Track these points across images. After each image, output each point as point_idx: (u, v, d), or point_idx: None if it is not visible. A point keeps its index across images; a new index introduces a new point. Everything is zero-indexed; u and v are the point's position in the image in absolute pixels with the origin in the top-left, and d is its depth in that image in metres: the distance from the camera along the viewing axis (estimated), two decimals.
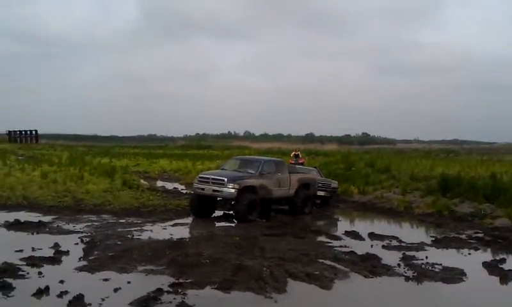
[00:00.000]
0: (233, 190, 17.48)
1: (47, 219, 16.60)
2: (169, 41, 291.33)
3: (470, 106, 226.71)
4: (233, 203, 17.98)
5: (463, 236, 16.08)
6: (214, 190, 17.78)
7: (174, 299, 8.59)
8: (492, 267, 11.86)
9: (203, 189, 18.07)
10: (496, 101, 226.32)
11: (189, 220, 17.97)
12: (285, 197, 19.97)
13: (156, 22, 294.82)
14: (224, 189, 17.54)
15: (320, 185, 23.39)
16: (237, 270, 10.30)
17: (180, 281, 9.66)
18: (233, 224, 17.38)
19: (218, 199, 18.53)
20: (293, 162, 30.53)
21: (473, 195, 21.07)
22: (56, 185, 23.45)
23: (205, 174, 19.25)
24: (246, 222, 17.11)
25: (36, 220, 16.09)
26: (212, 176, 18.29)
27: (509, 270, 11.47)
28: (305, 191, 20.47)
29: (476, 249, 14.22)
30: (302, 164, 29.98)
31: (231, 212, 18.56)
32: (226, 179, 17.68)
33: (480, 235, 16.38)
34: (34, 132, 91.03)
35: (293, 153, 34.41)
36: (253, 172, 18.67)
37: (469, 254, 13.61)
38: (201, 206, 18.56)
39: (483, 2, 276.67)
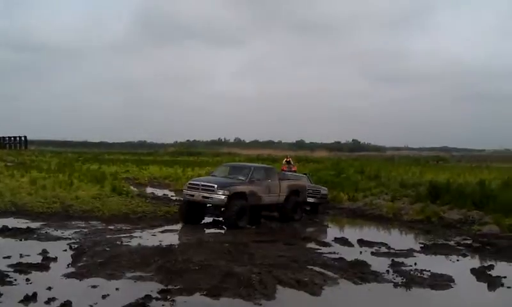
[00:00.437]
0: (223, 197, 17.43)
1: (35, 225, 16.52)
2: (160, 47, 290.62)
3: (459, 114, 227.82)
4: (222, 209, 17.85)
5: (452, 243, 16.15)
6: (204, 197, 17.75)
7: (163, 305, 8.57)
8: (480, 274, 11.90)
9: (192, 195, 18.04)
10: (486, 109, 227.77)
11: (178, 226, 17.94)
12: (275, 204, 19.97)
13: (147, 28, 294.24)
14: (214, 196, 17.51)
15: (310, 191, 23.44)
16: (226, 277, 10.27)
17: (169, 287, 9.63)
18: (222, 231, 17.37)
19: (208, 205, 18.45)
20: (285, 168, 30.66)
21: (462, 202, 21.18)
22: (45, 192, 23.32)
23: (195, 180, 19.29)
24: (236, 229, 17.11)
25: (25, 226, 16.00)
26: (202, 183, 18.26)
27: (497, 276, 11.51)
28: (295, 198, 20.52)
29: (464, 255, 14.29)
30: (294, 171, 30.03)
31: (220, 219, 18.47)
32: (216, 185, 17.65)
33: (468, 241, 16.46)
34: (23, 138, 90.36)
35: (285, 160, 34.58)
36: (243, 178, 18.70)
37: (457, 260, 13.66)
38: (191, 213, 18.50)
39: (473, 10, 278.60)
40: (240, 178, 18.81)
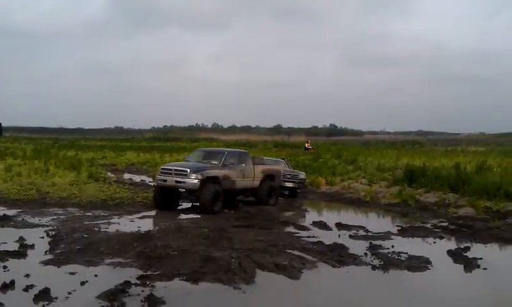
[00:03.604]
0: (196, 181, 17.41)
1: (11, 212, 16.33)
2: (138, 32, 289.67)
3: (435, 98, 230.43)
4: (197, 194, 17.78)
5: (428, 226, 16.34)
6: (177, 181, 17.65)
7: (142, 291, 8.53)
8: (457, 255, 12.05)
9: (165, 181, 17.96)
10: (462, 93, 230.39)
11: (156, 212, 17.86)
12: (249, 189, 20.03)
13: (125, 12, 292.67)
14: (187, 180, 17.44)
15: (288, 176, 23.54)
16: (205, 262, 10.27)
17: (148, 273, 9.61)
18: (199, 216, 17.26)
19: (181, 190, 18.36)
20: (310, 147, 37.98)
21: (438, 185, 21.45)
22: (21, 179, 23.08)
23: (167, 165, 19.25)
24: (211, 214, 17.12)
25: (1, 213, 15.79)
26: (175, 168, 18.23)
27: (473, 258, 11.66)
28: (270, 182, 20.56)
29: (441, 237, 14.46)
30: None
31: (197, 204, 18.40)
32: (189, 170, 17.61)
33: (445, 224, 16.66)
34: None
35: (307, 144, 40.11)
36: (216, 163, 18.69)
37: (434, 242, 13.82)
38: (165, 199, 18.41)
39: None
40: (213, 162, 18.75)
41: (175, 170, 17.93)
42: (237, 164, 19.18)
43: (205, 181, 17.59)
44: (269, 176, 20.62)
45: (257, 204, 19.99)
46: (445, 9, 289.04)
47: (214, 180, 17.99)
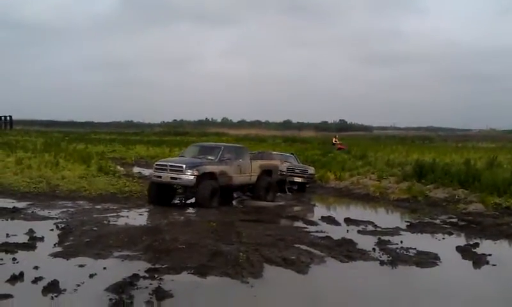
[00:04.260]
0: (192, 177, 16.93)
1: (21, 205, 16.43)
2: (149, 26, 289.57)
3: (446, 94, 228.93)
4: (193, 190, 17.40)
5: (437, 221, 16.28)
6: (172, 178, 17.20)
7: (150, 284, 8.56)
8: (466, 251, 12.00)
9: (160, 177, 17.46)
10: (472, 89, 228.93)
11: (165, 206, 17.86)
12: (246, 184, 19.66)
13: (136, 6, 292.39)
14: (183, 176, 17.01)
15: (297, 171, 23.54)
16: (213, 256, 10.30)
17: (157, 266, 9.63)
18: (210, 210, 17.19)
19: (176, 187, 18.15)
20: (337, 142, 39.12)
21: (448, 181, 21.33)
22: (31, 171, 23.17)
23: (162, 161, 18.73)
24: (207, 208, 16.63)
25: (11, 206, 15.91)
26: (170, 163, 17.75)
27: (483, 254, 11.61)
28: (267, 178, 20.10)
29: (450, 233, 14.40)
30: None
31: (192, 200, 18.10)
32: (184, 165, 17.13)
33: (454, 220, 16.59)
34: (8, 118, 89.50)
35: (334, 139, 41.09)
36: (212, 158, 18.19)
37: (443, 238, 13.78)
38: (160, 195, 17.90)
39: None
40: (210, 157, 18.26)
41: (170, 166, 17.45)
42: (234, 160, 18.67)
43: (202, 177, 17.12)
44: (266, 172, 20.18)
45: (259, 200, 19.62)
46: (456, 7, 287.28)
47: (211, 176, 17.54)
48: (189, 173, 16.93)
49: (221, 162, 18.06)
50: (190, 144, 22.91)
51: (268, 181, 20.01)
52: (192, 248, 10.83)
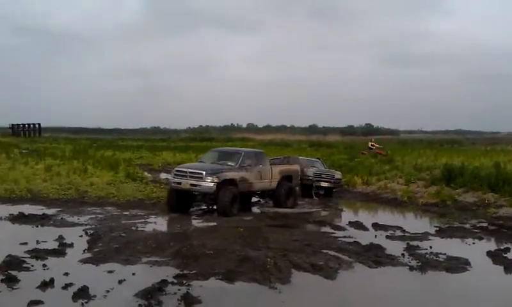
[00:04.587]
0: (212, 184, 16.46)
1: (51, 211, 16.65)
2: (174, 33, 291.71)
3: (474, 96, 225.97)
4: (213, 197, 17.00)
5: (467, 226, 16.05)
6: (192, 185, 16.73)
7: (179, 290, 8.59)
8: (496, 256, 11.82)
9: (179, 183, 16.99)
10: (501, 90, 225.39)
11: (194, 211, 17.90)
12: (266, 190, 19.35)
13: (162, 14, 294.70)
14: (203, 183, 16.53)
15: (323, 176, 23.44)
16: (241, 261, 10.30)
17: (185, 272, 9.67)
18: (238, 217, 17.19)
19: (195, 193, 17.67)
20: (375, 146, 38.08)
21: (477, 185, 21.01)
22: (60, 178, 23.49)
23: (181, 167, 18.24)
24: (228, 217, 16.17)
25: (40, 213, 16.12)
26: (190, 170, 17.23)
27: None
28: (288, 183, 19.59)
29: (480, 238, 14.19)
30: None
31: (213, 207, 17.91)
32: (204, 172, 16.62)
33: (484, 224, 16.34)
34: (37, 126, 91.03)
35: (370, 143, 39.73)
36: (232, 164, 17.75)
37: (473, 243, 13.58)
38: (179, 202, 17.42)
39: None
40: (230, 164, 17.80)
41: (190, 172, 16.94)
42: (255, 165, 18.18)
43: (222, 184, 16.65)
44: (286, 177, 19.68)
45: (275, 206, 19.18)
46: (482, 7, 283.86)
47: (231, 182, 17.08)
48: (209, 180, 16.48)
49: (241, 168, 17.64)
50: (209, 150, 22.55)
51: (289, 187, 19.49)
52: (220, 254, 10.85)
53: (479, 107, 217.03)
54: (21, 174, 24.54)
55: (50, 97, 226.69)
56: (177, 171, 17.62)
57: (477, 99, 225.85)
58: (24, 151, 42.77)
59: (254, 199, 20.56)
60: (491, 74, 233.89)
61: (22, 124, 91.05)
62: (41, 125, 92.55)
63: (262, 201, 20.65)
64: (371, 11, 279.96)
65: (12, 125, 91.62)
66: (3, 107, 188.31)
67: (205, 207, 18.48)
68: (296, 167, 21.28)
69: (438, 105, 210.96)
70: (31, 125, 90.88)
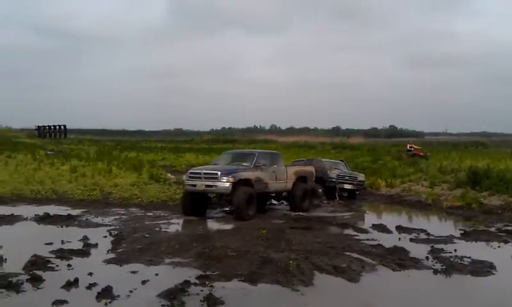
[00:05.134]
0: (227, 184, 16.24)
1: (75, 212, 16.86)
2: (197, 35, 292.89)
3: (499, 98, 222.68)
4: (229, 198, 16.87)
5: (493, 229, 15.82)
6: (207, 186, 16.51)
7: (201, 291, 8.62)
8: None
9: (194, 186, 16.75)
10: None
11: (215, 213, 17.95)
12: (282, 191, 19.19)
13: (184, 16, 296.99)
14: (218, 183, 16.30)
15: (347, 178, 23.36)
16: (263, 263, 10.29)
17: (207, 273, 9.70)
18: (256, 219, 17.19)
19: (210, 195, 17.67)
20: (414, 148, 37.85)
21: (503, 188, 20.74)
22: (85, 179, 23.78)
23: (196, 169, 18.05)
24: (245, 219, 16.08)
25: (65, 213, 16.33)
26: (204, 171, 17.03)
27: None
28: (303, 184, 19.36)
29: (506, 242, 13.96)
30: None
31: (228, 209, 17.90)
32: (219, 173, 16.44)
33: (510, 228, 16.09)
34: (62, 127, 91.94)
35: (408, 145, 39.25)
36: (247, 164, 17.57)
37: (498, 247, 13.37)
38: (194, 205, 17.16)
39: None
40: (244, 164, 17.62)
41: (205, 174, 16.74)
42: (269, 166, 18.04)
43: (237, 184, 16.44)
44: (301, 178, 19.50)
45: (292, 209, 19.08)
46: (507, 7, 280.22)
47: (246, 182, 16.87)
48: (224, 180, 16.28)
49: (256, 168, 17.47)
50: (223, 152, 22.47)
51: (304, 188, 19.29)
52: (243, 255, 10.86)
53: (505, 109, 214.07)
54: (47, 175, 24.90)
55: (75, 99, 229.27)
56: (191, 173, 17.42)
57: (502, 101, 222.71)
58: (49, 152, 43.31)
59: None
60: None
61: (48, 126, 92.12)
62: (67, 127, 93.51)
63: (277, 203, 20.51)
64: (394, 12, 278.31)
65: (38, 126, 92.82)
66: (29, 109, 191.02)
67: (223, 210, 18.39)
68: (311, 168, 20.99)
69: (462, 107, 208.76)
70: (57, 127, 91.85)
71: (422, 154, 37.88)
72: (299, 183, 19.22)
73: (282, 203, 20.28)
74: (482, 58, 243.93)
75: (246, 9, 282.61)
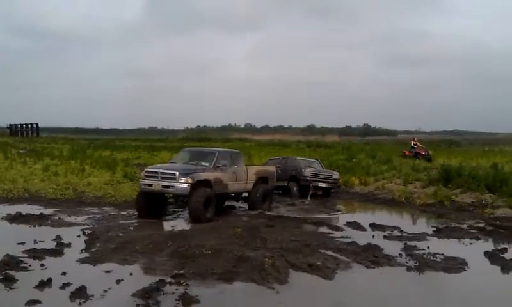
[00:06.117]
0: (185, 185, 15.56)
1: (48, 211, 16.66)
2: (172, 34, 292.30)
3: (471, 96, 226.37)
4: (186, 200, 16.32)
5: (465, 226, 16.05)
6: (164, 186, 15.79)
7: (176, 289, 8.60)
8: (494, 257, 11.83)
9: (150, 185, 16.02)
10: (499, 91, 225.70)
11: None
12: (241, 192, 18.72)
13: (160, 14, 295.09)
14: (176, 184, 15.61)
15: (321, 176, 23.46)
16: (239, 261, 10.29)
17: (182, 272, 9.66)
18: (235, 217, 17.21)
19: (167, 196, 17.17)
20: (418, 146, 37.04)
21: (475, 185, 21.05)
22: (57, 178, 23.50)
23: (152, 168, 17.15)
24: (202, 222, 15.27)
25: (38, 212, 16.14)
26: (161, 170, 16.26)
27: (511, 259, 11.45)
28: (263, 185, 18.92)
29: (477, 238, 14.20)
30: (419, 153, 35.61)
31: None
32: (177, 173, 15.72)
33: (481, 224, 16.34)
34: (35, 126, 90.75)
35: (412, 142, 38.23)
36: (207, 164, 16.93)
37: (470, 244, 13.59)
38: (150, 205, 16.38)
39: None
40: (204, 164, 16.98)
41: (162, 173, 16.00)
42: (230, 166, 17.52)
43: (196, 185, 15.80)
44: (262, 179, 19.04)
45: (249, 209, 18.68)
46: (483, 8, 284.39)
47: (206, 183, 16.23)
48: (182, 181, 15.59)
49: (216, 169, 16.85)
50: (181, 149, 21.74)
51: (265, 189, 18.83)
52: (218, 254, 10.84)
53: (478, 109, 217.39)
54: (19, 174, 24.55)
55: (48, 97, 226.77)
56: (148, 171, 16.65)
57: (476, 100, 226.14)
58: (21, 151, 42.67)
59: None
60: (491, 75, 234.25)
61: (20, 124, 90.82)
62: (39, 125, 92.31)
63: (236, 204, 19.93)
64: (369, 12, 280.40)
65: (10, 125, 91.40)
66: (1, 107, 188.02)
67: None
68: (272, 168, 20.65)
69: (437, 106, 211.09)
70: (29, 125, 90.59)
71: (423, 153, 36.18)
72: (259, 184, 18.82)
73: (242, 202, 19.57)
74: (457, 58, 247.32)
75: (220, 8, 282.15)
